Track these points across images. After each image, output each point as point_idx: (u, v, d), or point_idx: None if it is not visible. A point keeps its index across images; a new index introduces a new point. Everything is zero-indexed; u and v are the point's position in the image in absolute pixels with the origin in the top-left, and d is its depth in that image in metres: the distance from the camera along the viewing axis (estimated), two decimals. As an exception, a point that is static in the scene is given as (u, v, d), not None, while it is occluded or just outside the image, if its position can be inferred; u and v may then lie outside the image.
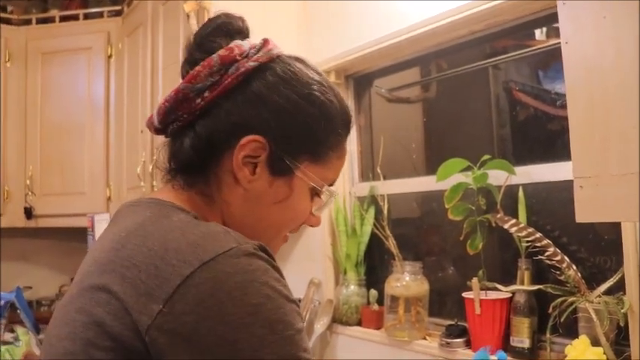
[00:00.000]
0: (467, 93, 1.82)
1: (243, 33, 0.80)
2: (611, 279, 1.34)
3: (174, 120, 0.76)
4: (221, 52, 0.75)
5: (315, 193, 0.81)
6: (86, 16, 2.82)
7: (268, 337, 0.59)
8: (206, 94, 0.74)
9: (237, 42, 0.77)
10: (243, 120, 0.74)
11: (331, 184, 0.83)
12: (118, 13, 2.78)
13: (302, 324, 0.64)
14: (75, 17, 2.83)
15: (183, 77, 0.78)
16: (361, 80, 2.20)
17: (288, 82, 0.76)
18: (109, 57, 2.74)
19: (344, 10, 2.04)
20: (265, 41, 0.78)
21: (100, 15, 2.81)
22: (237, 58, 0.75)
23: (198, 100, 0.74)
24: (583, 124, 0.93)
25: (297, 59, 0.80)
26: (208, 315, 0.58)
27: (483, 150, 1.64)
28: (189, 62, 0.78)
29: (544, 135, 1.60)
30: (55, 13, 2.86)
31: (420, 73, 2.01)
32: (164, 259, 0.61)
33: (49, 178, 2.72)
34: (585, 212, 0.92)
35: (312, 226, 0.85)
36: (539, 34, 1.65)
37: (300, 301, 2.13)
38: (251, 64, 0.75)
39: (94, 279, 0.66)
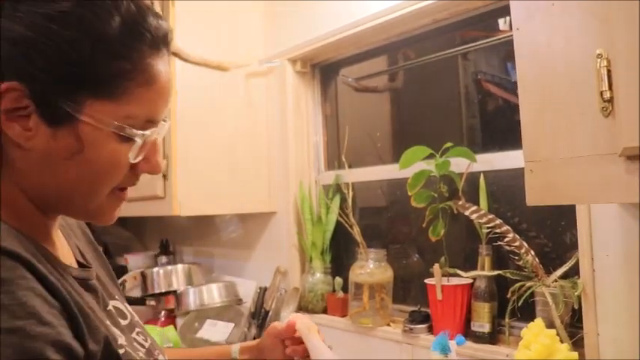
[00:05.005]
0: (434, 82, 1.83)
1: None
2: (567, 263, 1.37)
3: None
4: None
5: (127, 136, 0.67)
6: None
7: None
8: None
9: None
10: None
11: (151, 120, 0.69)
12: None
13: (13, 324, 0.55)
14: None
15: None
16: (327, 69, 2.19)
17: (31, 5, 0.62)
18: None
19: (309, -2, 2.03)
20: None
21: None
22: None
23: None
24: (533, 110, 0.95)
25: None
26: None
27: (450, 139, 1.66)
28: None
29: (505, 123, 1.62)
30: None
31: (387, 62, 2.02)
32: None
33: None
34: (535, 196, 0.94)
35: (150, 173, 0.73)
36: (503, 23, 1.67)
37: (266, 289, 2.13)
38: None
39: None
